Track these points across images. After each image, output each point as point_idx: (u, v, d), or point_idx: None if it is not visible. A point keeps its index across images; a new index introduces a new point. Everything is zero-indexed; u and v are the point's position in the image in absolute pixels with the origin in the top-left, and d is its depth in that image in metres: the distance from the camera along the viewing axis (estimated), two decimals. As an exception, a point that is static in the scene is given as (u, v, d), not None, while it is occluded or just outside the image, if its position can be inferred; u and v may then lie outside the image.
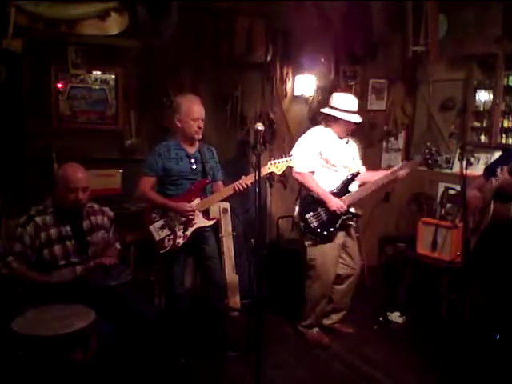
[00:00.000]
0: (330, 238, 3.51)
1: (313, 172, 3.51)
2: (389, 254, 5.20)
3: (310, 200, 3.50)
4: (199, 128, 3.14)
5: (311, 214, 3.49)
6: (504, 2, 4.23)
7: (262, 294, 2.53)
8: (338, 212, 3.43)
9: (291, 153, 3.44)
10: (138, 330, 2.69)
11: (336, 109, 3.46)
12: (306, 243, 3.58)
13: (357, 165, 3.63)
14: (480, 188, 3.21)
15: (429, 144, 3.54)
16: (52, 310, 2.41)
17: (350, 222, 3.63)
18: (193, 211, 3.13)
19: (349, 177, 3.52)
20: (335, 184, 3.51)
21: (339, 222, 3.49)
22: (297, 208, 3.57)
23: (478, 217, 3.17)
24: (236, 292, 4.01)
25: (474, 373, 2.91)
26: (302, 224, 3.53)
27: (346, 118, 3.44)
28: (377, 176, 3.57)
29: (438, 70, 4.92)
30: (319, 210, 3.48)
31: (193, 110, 3.11)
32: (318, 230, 3.49)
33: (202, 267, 3.40)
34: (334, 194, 3.48)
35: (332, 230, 3.49)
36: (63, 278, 2.63)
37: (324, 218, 3.48)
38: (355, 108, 3.49)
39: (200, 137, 3.21)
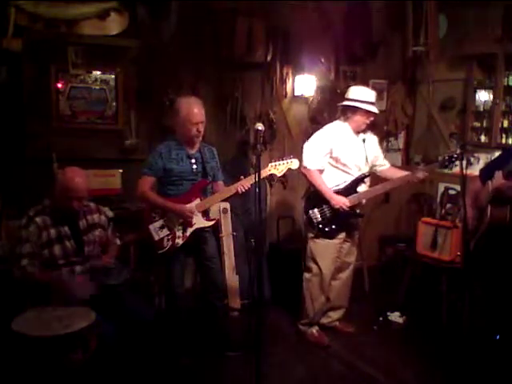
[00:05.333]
0: (330, 235, 3.52)
1: (322, 170, 3.52)
2: (389, 254, 5.20)
3: (316, 196, 3.51)
4: (198, 131, 3.12)
5: (316, 209, 3.51)
6: (504, 2, 4.23)
7: (262, 294, 2.53)
8: (342, 210, 3.42)
9: (305, 146, 3.49)
10: (137, 330, 2.69)
11: (354, 100, 3.45)
12: (309, 235, 3.60)
13: (378, 161, 3.65)
14: (477, 192, 3.21)
15: (452, 150, 3.49)
16: (52, 310, 2.42)
17: (354, 222, 3.64)
18: (192, 213, 3.13)
19: (357, 178, 3.50)
20: (343, 183, 3.51)
21: (342, 220, 3.50)
22: (303, 202, 3.61)
23: (476, 220, 3.17)
24: (236, 292, 4.01)
25: (474, 373, 2.91)
26: (305, 217, 3.58)
27: (365, 108, 3.42)
28: (398, 175, 3.58)
29: (438, 70, 4.93)
30: (324, 206, 3.49)
31: (192, 114, 3.08)
32: (320, 226, 3.51)
33: (201, 267, 3.39)
34: (339, 192, 3.48)
35: (334, 227, 3.51)
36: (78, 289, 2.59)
37: (328, 214, 3.49)
38: (373, 99, 3.50)
39: (200, 139, 3.21)
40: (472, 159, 4.52)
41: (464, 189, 2.77)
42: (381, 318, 4.04)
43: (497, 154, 4.25)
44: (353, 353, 3.52)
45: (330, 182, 3.51)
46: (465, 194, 2.79)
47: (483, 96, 4.56)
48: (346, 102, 3.50)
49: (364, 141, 3.58)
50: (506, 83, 4.33)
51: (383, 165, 3.71)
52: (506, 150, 3.85)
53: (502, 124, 4.37)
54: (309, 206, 3.55)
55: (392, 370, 3.28)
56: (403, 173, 3.61)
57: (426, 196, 4.99)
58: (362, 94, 3.47)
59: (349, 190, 3.49)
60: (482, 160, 4.48)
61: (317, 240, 3.57)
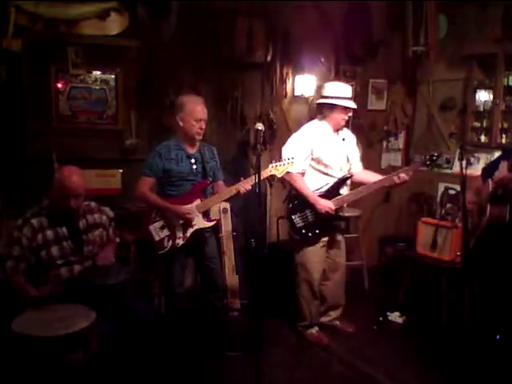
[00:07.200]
0: (314, 240, 3.49)
1: (303, 173, 3.47)
2: (389, 254, 5.20)
3: (298, 200, 3.47)
4: (201, 129, 3.14)
5: (298, 214, 3.47)
6: (504, 2, 4.24)
7: (262, 295, 2.53)
8: (327, 215, 3.38)
9: (283, 149, 3.43)
10: (137, 330, 2.69)
11: (330, 97, 3.38)
12: (294, 241, 3.57)
13: (353, 163, 3.55)
14: (477, 190, 3.21)
15: (433, 147, 3.47)
16: (52, 310, 2.42)
17: (337, 225, 3.60)
18: (191, 214, 3.13)
19: (340, 179, 3.45)
20: (326, 186, 3.46)
21: (325, 224, 3.46)
22: (285, 206, 3.57)
23: (476, 219, 3.17)
24: (236, 292, 4.00)
25: (474, 373, 2.91)
26: (288, 223, 3.54)
27: (341, 104, 3.34)
28: (372, 179, 3.48)
29: (438, 70, 4.93)
30: (306, 211, 3.45)
31: (196, 111, 3.10)
32: (303, 231, 3.47)
33: (201, 268, 3.39)
34: (322, 196, 3.44)
35: (317, 232, 3.47)
36: (54, 290, 2.60)
37: (310, 219, 3.45)
38: (349, 94, 3.40)
39: (201, 137, 3.21)
40: (472, 159, 4.53)
41: (464, 189, 2.78)
42: (381, 318, 4.05)
43: (497, 154, 4.27)
44: (353, 353, 3.52)
45: (312, 184, 3.45)
46: (465, 194, 2.79)
47: (483, 96, 4.56)
48: (321, 100, 3.44)
49: (344, 140, 3.51)
50: (506, 83, 4.33)
51: (356, 166, 3.60)
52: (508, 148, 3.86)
53: (502, 124, 4.37)
54: (291, 210, 3.50)
55: (392, 370, 3.28)
56: (379, 176, 3.50)
57: (426, 196, 4.99)
58: (337, 90, 3.38)
59: (332, 192, 3.44)
60: (482, 160, 4.49)
61: (301, 246, 3.54)
